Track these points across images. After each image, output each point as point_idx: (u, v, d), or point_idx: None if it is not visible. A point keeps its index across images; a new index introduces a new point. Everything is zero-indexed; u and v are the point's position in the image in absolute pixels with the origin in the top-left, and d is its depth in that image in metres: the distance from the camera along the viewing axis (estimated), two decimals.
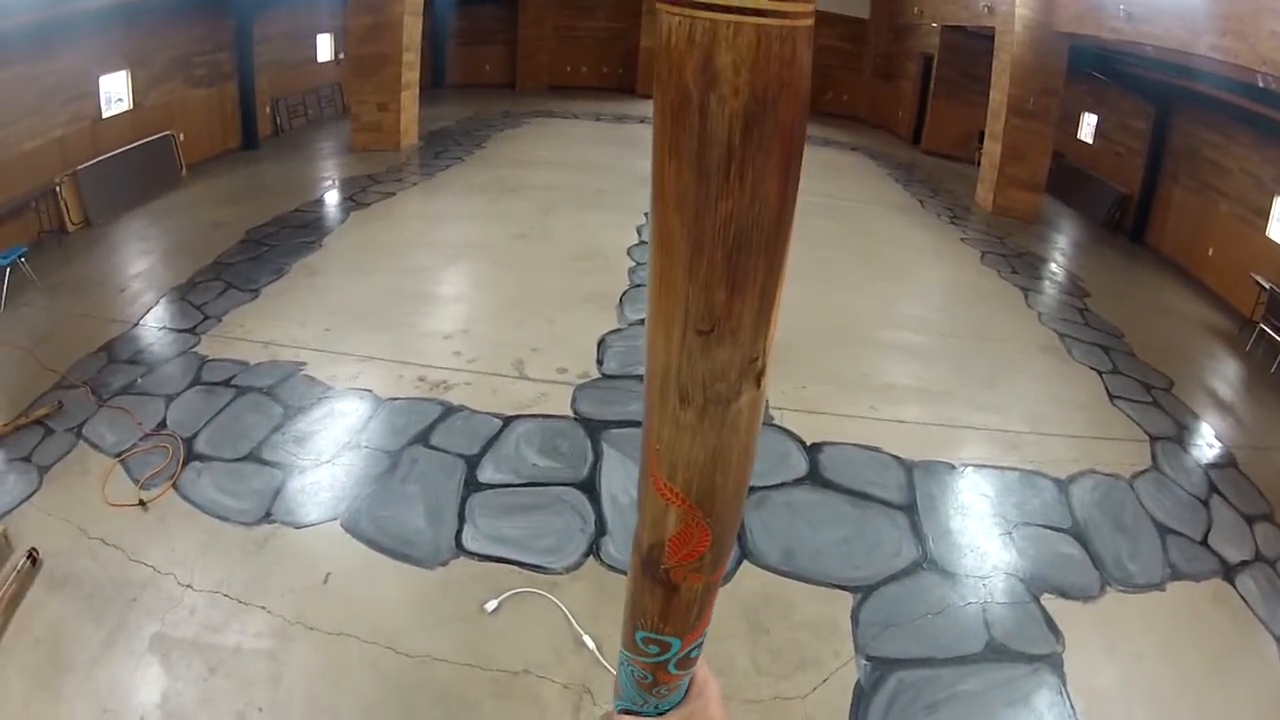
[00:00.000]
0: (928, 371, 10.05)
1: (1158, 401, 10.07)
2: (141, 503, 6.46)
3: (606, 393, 8.60)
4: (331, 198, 14.95)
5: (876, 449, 8.13)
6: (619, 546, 6.44)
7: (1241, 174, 15.25)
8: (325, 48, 21.72)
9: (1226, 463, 8.98)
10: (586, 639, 5.58)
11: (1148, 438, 9.08)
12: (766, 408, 8.47)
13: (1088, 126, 21.44)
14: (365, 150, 18.37)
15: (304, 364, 8.66)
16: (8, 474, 6.81)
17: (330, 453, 7.29)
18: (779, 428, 8.17)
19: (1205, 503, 8.10)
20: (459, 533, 6.47)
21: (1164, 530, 7.52)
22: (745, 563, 6.40)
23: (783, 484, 7.39)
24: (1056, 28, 17.18)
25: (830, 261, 13.22)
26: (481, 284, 11.47)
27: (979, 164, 20.36)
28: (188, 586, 5.71)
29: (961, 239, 16.33)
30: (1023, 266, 14.91)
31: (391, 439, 7.53)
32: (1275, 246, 13.99)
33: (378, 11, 17.73)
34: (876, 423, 8.61)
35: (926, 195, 19.67)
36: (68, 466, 6.93)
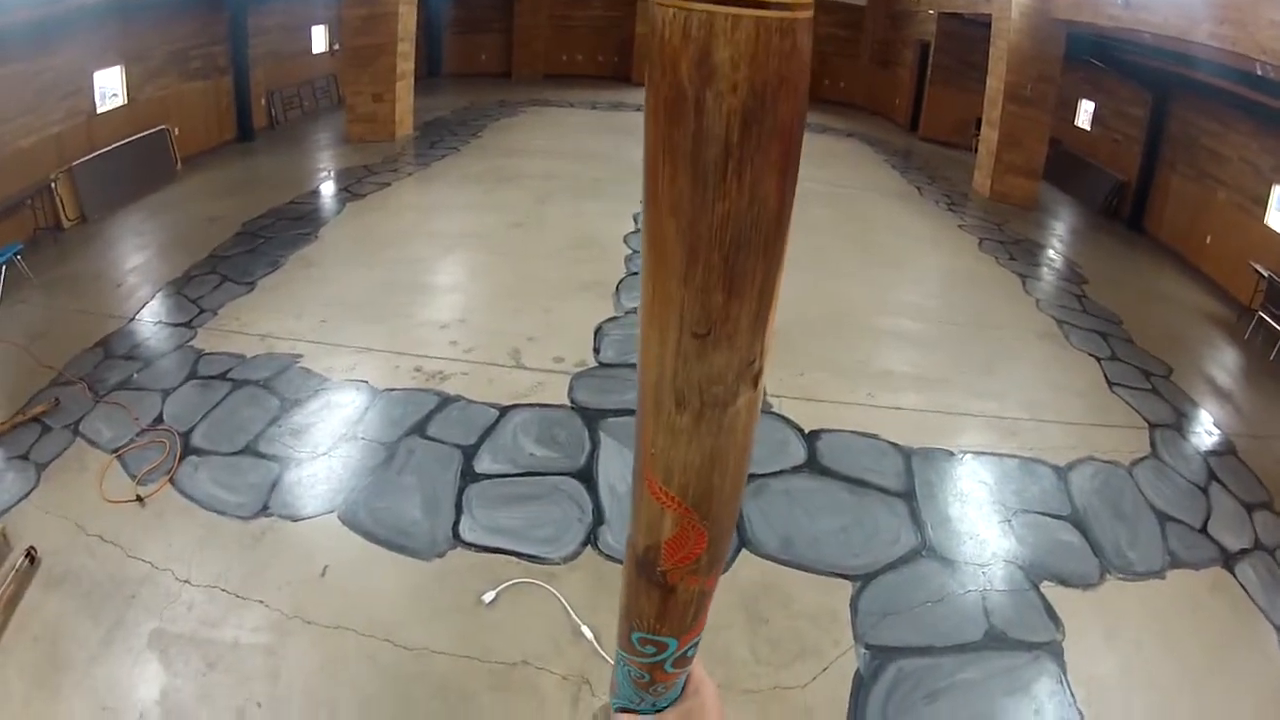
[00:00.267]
0: (925, 358, 10.04)
1: (1156, 389, 10.07)
2: (139, 498, 6.45)
3: (603, 381, 8.59)
4: (327, 189, 14.92)
5: (875, 436, 8.13)
6: (617, 536, 6.44)
7: (1240, 162, 15.22)
8: (320, 39, 21.65)
9: (1226, 450, 8.97)
10: (585, 629, 5.58)
11: (1146, 425, 9.08)
12: (764, 395, 8.46)
13: (1085, 113, 21.40)
14: (361, 141, 18.33)
15: (300, 356, 8.64)
16: (5, 472, 6.81)
17: (327, 445, 7.29)
18: (777, 415, 8.17)
19: (1204, 490, 8.09)
20: (456, 524, 6.47)
21: (1163, 518, 7.51)
22: (744, 551, 6.40)
23: (781, 472, 7.39)
24: (1054, 15, 17.12)
25: (827, 248, 13.20)
26: (478, 274, 11.45)
27: (976, 151, 20.31)
28: (185, 582, 5.71)
29: (959, 225, 16.31)
30: (1020, 253, 14.90)
31: (388, 430, 7.52)
32: (1273, 234, 13.97)
33: (372, 2, 17.67)
34: (874, 410, 8.61)
35: (924, 182, 19.64)
36: (65, 463, 6.92)
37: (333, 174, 15.88)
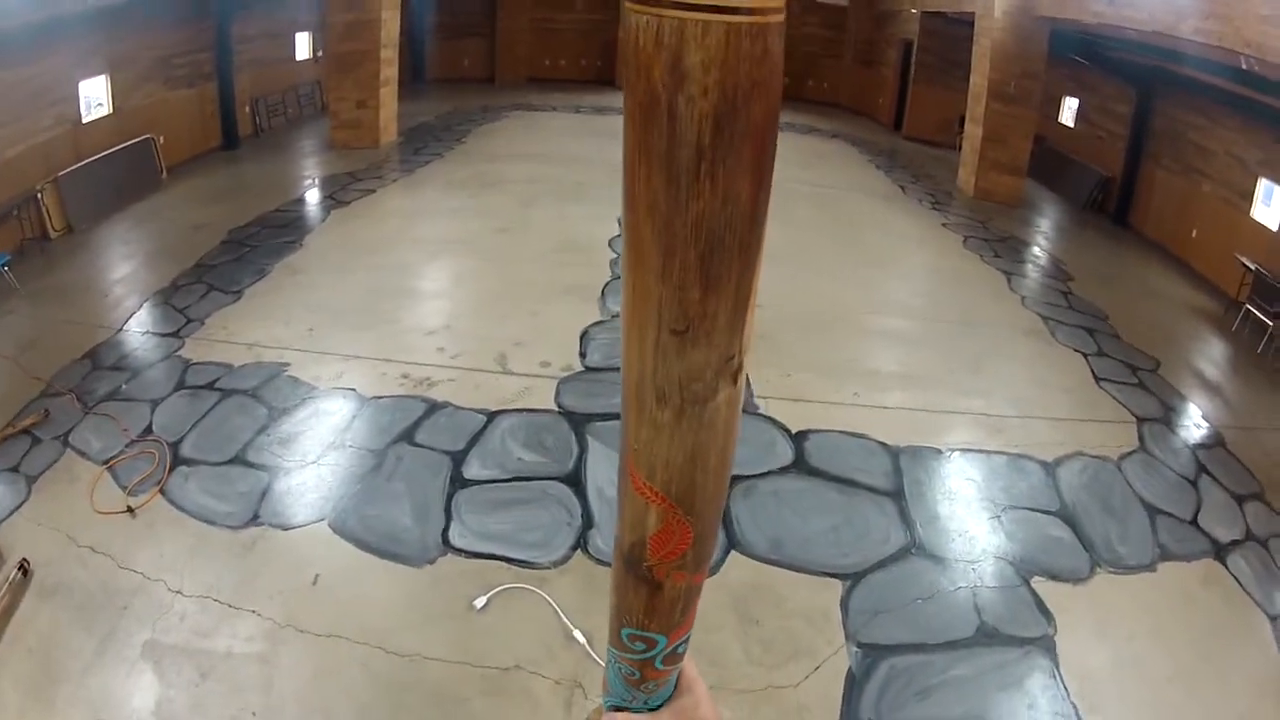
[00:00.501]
0: (911, 357, 10.10)
1: (1144, 383, 10.14)
2: (129, 509, 6.45)
3: (590, 385, 8.62)
4: (312, 196, 14.90)
5: (862, 435, 8.17)
6: (606, 539, 6.44)
7: (1226, 156, 15.31)
8: (304, 46, 21.59)
9: (1215, 443, 9.04)
10: (576, 633, 5.60)
11: (1134, 419, 9.15)
12: (750, 396, 8.51)
13: (1069, 110, 21.51)
14: (345, 148, 18.31)
15: (288, 364, 8.65)
16: None
17: (316, 453, 7.29)
18: (764, 416, 8.20)
19: (1194, 483, 8.16)
20: (446, 530, 6.49)
21: (1153, 511, 7.58)
22: (734, 553, 6.43)
23: (769, 473, 7.43)
24: (1037, 12, 17.18)
25: (812, 248, 13.24)
26: (463, 279, 11.48)
27: (960, 149, 20.39)
28: (177, 592, 5.71)
29: (943, 224, 16.38)
30: (1005, 250, 14.97)
31: (376, 437, 7.54)
32: (1260, 227, 14.08)
33: (356, 8, 17.65)
34: (861, 409, 8.66)
35: (908, 181, 19.72)
36: (55, 475, 6.90)
37: (317, 181, 15.85)
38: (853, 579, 6.33)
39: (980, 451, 8.16)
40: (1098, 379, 10.06)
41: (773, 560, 6.44)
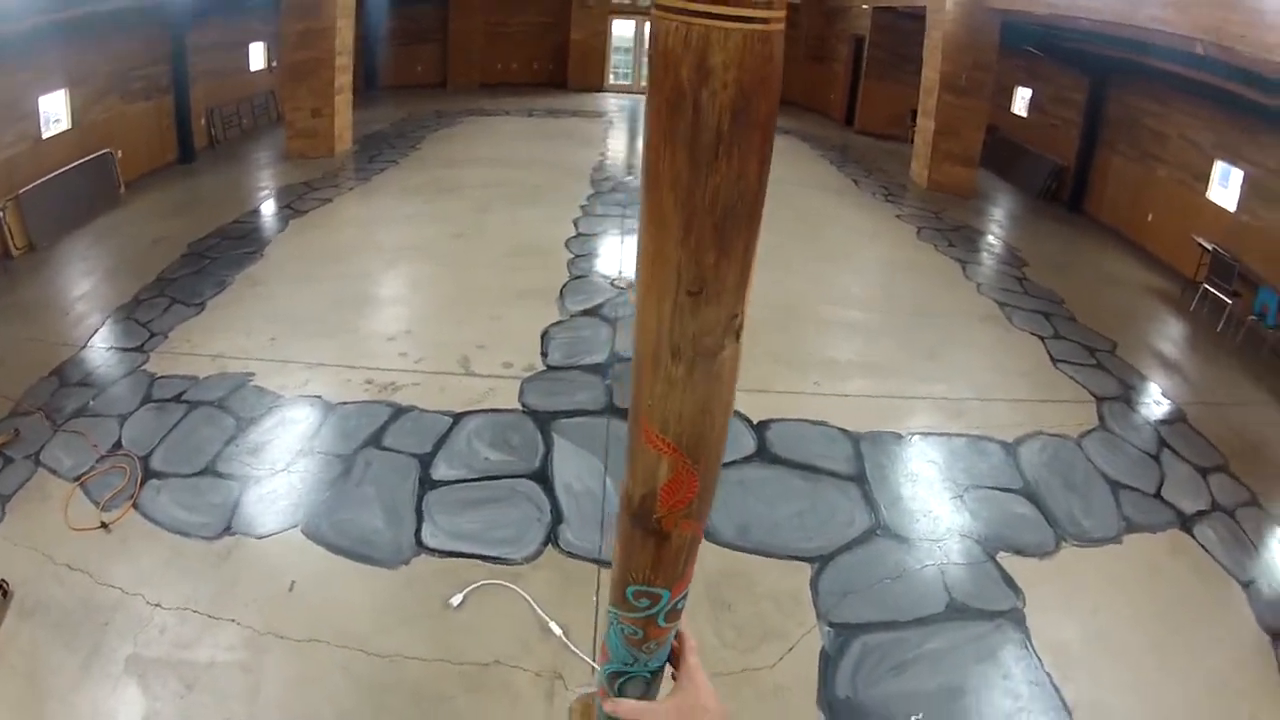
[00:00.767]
0: (870, 346, 10.30)
1: (1102, 364, 10.40)
2: (104, 525, 6.46)
3: (553, 384, 8.74)
4: (270, 207, 14.85)
5: (823, 423, 8.35)
6: (577, 533, 6.58)
7: (1180, 140, 15.63)
8: (258, 56, 21.45)
9: (1176, 418, 9.30)
10: (553, 625, 5.70)
11: (1093, 399, 9.40)
12: None
13: (1022, 100, 21.86)
14: (301, 157, 18.28)
15: (252, 374, 8.68)
16: None
17: (285, 461, 7.34)
18: None
19: (1156, 458, 8.39)
20: (418, 530, 6.56)
21: (1116, 486, 7.81)
22: (703, 541, 6.55)
23: (733, 462, 7.56)
24: (989, 3, 17.44)
25: (767, 244, 13.02)
26: (423, 285, 11.53)
27: (913, 142, 20.65)
28: (156, 605, 5.73)
29: (897, 216, 16.64)
30: (959, 240, 15.23)
31: (344, 443, 7.60)
32: (1216, 208, 14.41)
33: (310, 16, 17.61)
34: (822, 398, 8.84)
35: (861, 175, 19.99)
36: (28, 494, 6.88)
37: (275, 191, 15.80)
38: (820, 562, 6.49)
39: (941, 434, 8.35)
40: (1055, 361, 10.30)
41: (741, 546, 6.59)
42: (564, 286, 11.37)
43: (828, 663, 5.62)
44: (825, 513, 7.06)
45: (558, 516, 6.81)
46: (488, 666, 5.43)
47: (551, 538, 6.58)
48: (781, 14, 1.06)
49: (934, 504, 7.32)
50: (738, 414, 8.23)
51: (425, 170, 17.62)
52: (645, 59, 28.66)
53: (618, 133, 23.79)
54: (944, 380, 9.49)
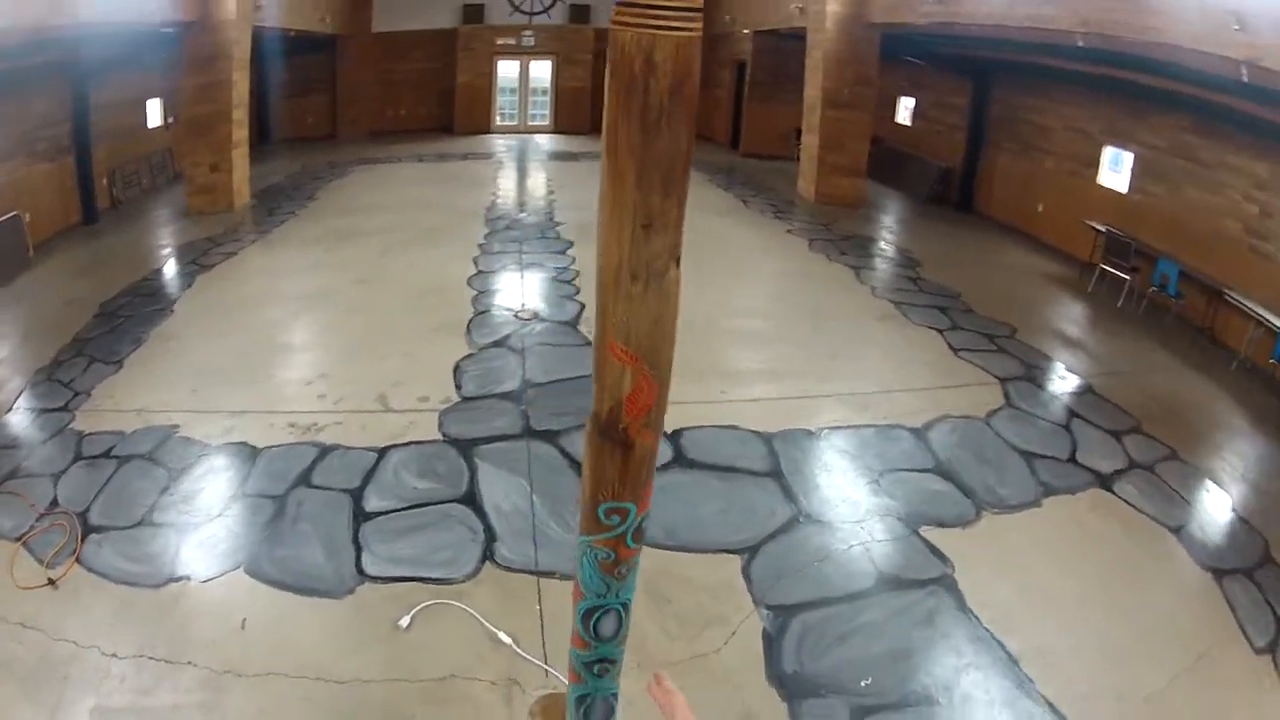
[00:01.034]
0: (772, 352, 10.81)
1: (1003, 348, 11.06)
2: (50, 581, 6.50)
3: (470, 413, 9.01)
4: (175, 264, 14.82)
5: (735, 427, 8.79)
6: (511, 549, 6.87)
7: (1066, 131, 16.46)
8: (155, 112, 21.15)
9: (1083, 390, 9.97)
10: (502, 635, 5.95)
11: (997, 380, 10.03)
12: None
13: (905, 109, 22.74)
14: (201, 213, 18.21)
15: (178, 426, 8.75)
16: None
17: (219, 506, 7.45)
18: None
19: (1066, 427, 9.04)
20: (358, 560, 6.73)
21: (1029, 456, 8.40)
22: None
23: None
24: (867, 19, 18.04)
25: None
26: (333, 329, 11.71)
27: (798, 160, 21.16)
28: (113, 655, 5.78)
29: (788, 231, 17.28)
30: (851, 248, 15.87)
31: (275, 484, 7.74)
32: (1106, 191, 15.26)
33: (208, 71, 17.62)
34: (730, 404, 9.29)
35: (749, 195, 20.62)
36: None
37: (179, 248, 15.76)
38: (749, 552, 6.88)
39: (850, 427, 8.85)
40: (956, 351, 10.93)
41: (671, 546, 6.93)
42: (470, 321, 11.69)
43: (771, 642, 5.99)
44: (747, 508, 7.45)
45: (491, 535, 7.07)
46: (444, 680, 5.63)
47: (488, 555, 6.83)
48: (699, 26, 1.58)
49: (851, 490, 7.78)
50: None
51: (323, 220, 17.78)
52: (530, 99, 29.64)
53: (508, 173, 24.20)
54: (847, 378, 10.00)
